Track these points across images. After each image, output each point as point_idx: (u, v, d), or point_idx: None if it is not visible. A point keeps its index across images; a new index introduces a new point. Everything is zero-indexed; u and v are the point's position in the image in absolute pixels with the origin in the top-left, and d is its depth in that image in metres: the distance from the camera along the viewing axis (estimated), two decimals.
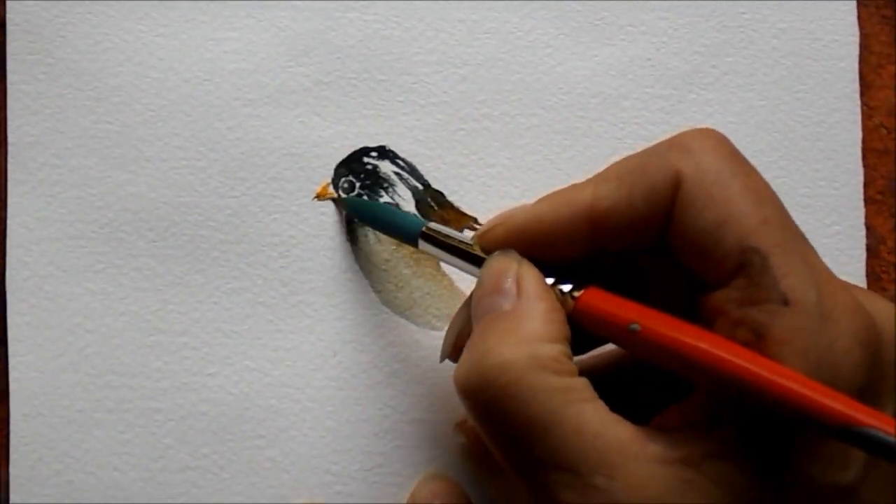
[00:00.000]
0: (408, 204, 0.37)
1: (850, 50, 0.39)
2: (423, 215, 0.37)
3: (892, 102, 0.39)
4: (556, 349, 0.27)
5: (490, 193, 0.37)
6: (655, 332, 0.26)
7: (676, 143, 0.28)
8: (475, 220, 0.37)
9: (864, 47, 0.40)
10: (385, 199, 0.37)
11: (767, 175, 0.28)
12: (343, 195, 0.36)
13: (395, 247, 0.36)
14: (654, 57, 0.39)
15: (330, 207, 0.36)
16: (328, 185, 0.36)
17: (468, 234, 0.32)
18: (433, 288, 0.36)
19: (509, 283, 0.29)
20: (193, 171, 0.36)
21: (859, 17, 0.40)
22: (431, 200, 0.37)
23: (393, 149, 0.37)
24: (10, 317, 0.35)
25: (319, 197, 0.36)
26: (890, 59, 0.40)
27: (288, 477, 0.35)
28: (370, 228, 0.36)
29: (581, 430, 0.25)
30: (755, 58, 0.39)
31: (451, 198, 0.37)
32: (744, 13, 0.39)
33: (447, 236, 0.32)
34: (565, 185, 0.30)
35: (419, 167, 0.37)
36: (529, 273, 0.29)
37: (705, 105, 0.38)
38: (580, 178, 0.37)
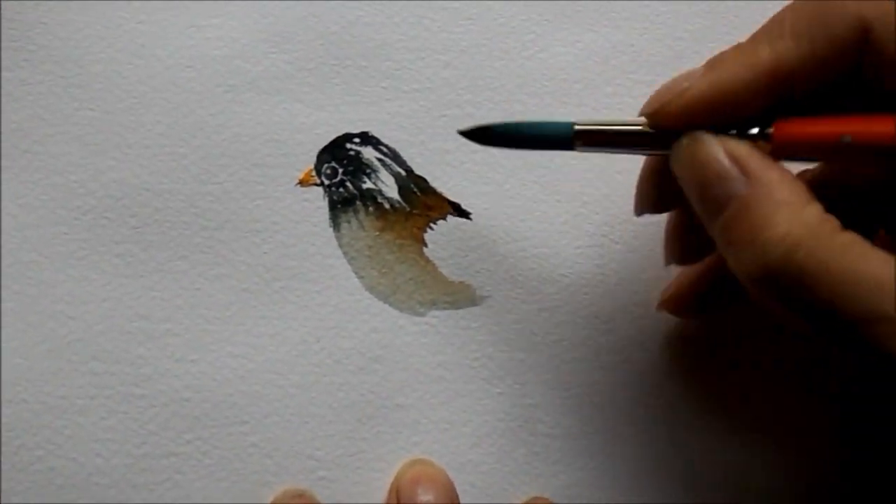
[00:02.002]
0: (391, 190, 0.37)
1: None
2: (406, 201, 0.37)
3: None
4: (816, 209, 0.27)
5: (473, 179, 0.37)
6: (869, 135, 0.26)
7: None
8: (458, 206, 0.37)
9: None
10: (368, 184, 0.37)
11: None
12: (326, 180, 0.36)
13: (378, 233, 0.36)
14: (636, 43, 0.39)
15: (313, 193, 0.36)
16: (311, 171, 0.36)
17: (626, 119, 0.31)
18: (416, 273, 0.36)
19: (729, 165, 0.28)
20: (176, 158, 0.36)
21: None
22: (415, 186, 0.37)
23: (376, 135, 0.37)
24: None
25: (302, 183, 0.36)
26: None
27: (271, 462, 0.35)
28: (353, 214, 0.36)
29: (880, 278, 0.25)
30: None
31: (434, 183, 0.37)
32: None
33: (606, 129, 0.31)
34: (730, 47, 0.29)
35: (402, 153, 0.37)
36: (740, 148, 0.28)
37: None
38: (562, 164, 0.37)
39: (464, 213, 0.37)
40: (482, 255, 0.37)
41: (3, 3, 0.36)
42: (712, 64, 0.29)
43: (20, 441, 0.34)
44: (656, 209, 0.34)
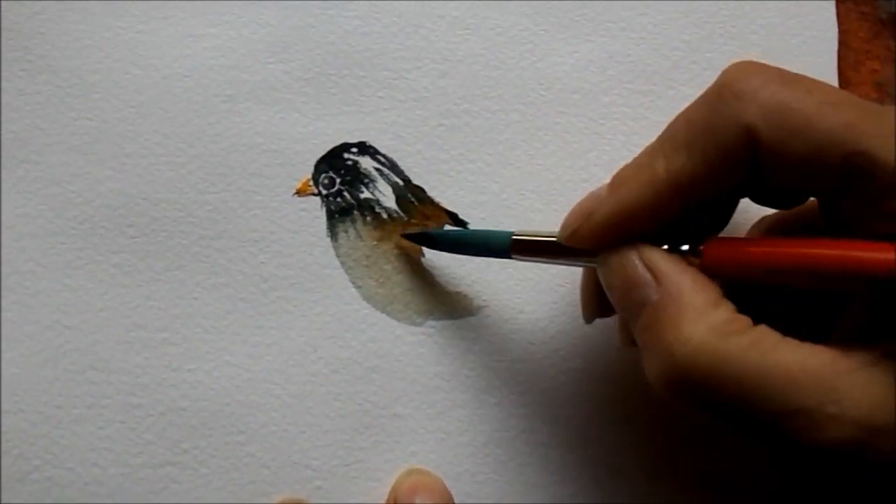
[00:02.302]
0: (388, 199, 0.37)
1: (828, 46, 0.40)
2: (403, 210, 0.37)
3: (871, 99, 0.39)
4: (724, 311, 0.27)
5: (470, 189, 0.37)
6: (798, 258, 0.27)
7: (729, 92, 0.28)
8: (455, 216, 0.37)
9: (843, 44, 0.40)
10: (366, 194, 0.37)
11: None
12: (323, 190, 0.37)
13: (375, 243, 0.36)
14: (633, 53, 0.39)
15: (310, 203, 0.36)
16: (309, 180, 0.37)
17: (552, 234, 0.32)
18: (414, 283, 0.37)
19: (642, 272, 0.29)
20: (173, 168, 0.36)
21: (838, 14, 0.40)
22: (412, 196, 0.37)
23: (373, 144, 0.37)
24: None
25: (300, 193, 0.36)
26: (868, 55, 0.40)
27: (268, 472, 0.35)
28: (351, 223, 0.36)
29: (790, 372, 0.26)
30: (734, 54, 0.39)
31: (431, 193, 0.37)
32: (723, 9, 0.39)
33: (537, 243, 0.32)
34: (629, 163, 0.30)
35: (400, 163, 0.37)
36: (655, 255, 0.29)
37: (685, 101, 0.38)
38: (560, 173, 0.37)
39: (461, 223, 0.37)
40: (479, 265, 0.37)
41: (1, 13, 0.36)
42: (614, 184, 0.30)
43: (18, 450, 0.34)
44: (603, 314, 0.34)
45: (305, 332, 0.36)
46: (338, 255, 0.36)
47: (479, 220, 0.37)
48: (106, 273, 0.35)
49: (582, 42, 0.39)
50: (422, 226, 0.37)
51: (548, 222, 0.37)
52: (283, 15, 0.37)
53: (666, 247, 0.29)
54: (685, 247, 0.29)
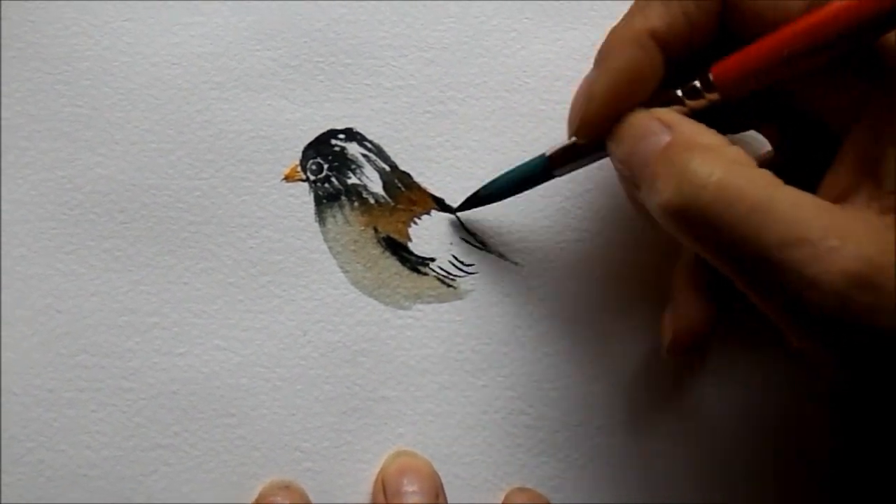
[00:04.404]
0: (375, 185, 0.37)
1: None
2: (390, 196, 0.37)
3: None
4: (736, 148, 0.28)
5: (457, 174, 0.38)
6: (803, 28, 0.28)
7: None
8: (441, 201, 0.37)
9: None
10: (353, 180, 0.37)
11: None
12: (311, 176, 0.37)
13: (363, 228, 0.37)
14: None
15: (298, 189, 0.37)
16: (297, 166, 0.37)
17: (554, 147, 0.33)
18: (401, 268, 0.37)
19: (653, 123, 0.29)
20: (162, 154, 0.36)
21: None
22: (399, 181, 0.37)
23: (360, 131, 0.37)
24: None
25: (288, 179, 0.37)
26: None
27: (258, 455, 0.35)
28: (339, 209, 0.37)
29: (797, 203, 0.26)
30: None
31: (418, 179, 0.37)
32: None
33: (568, 151, 0.33)
34: (608, 34, 0.31)
35: (386, 149, 0.37)
36: (662, 111, 0.30)
37: None
38: None
39: (447, 208, 0.37)
40: (465, 250, 0.37)
41: None
42: (599, 58, 0.31)
43: (10, 434, 0.34)
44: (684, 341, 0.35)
45: (294, 317, 0.36)
46: (326, 241, 0.37)
47: None
48: (97, 258, 0.35)
49: (565, 30, 0.39)
50: (409, 211, 0.37)
51: (532, 207, 0.38)
52: (270, 3, 0.38)
53: (679, 91, 0.30)
54: (696, 83, 0.30)
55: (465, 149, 0.38)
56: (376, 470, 0.36)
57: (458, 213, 0.37)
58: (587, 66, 0.37)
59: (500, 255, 0.37)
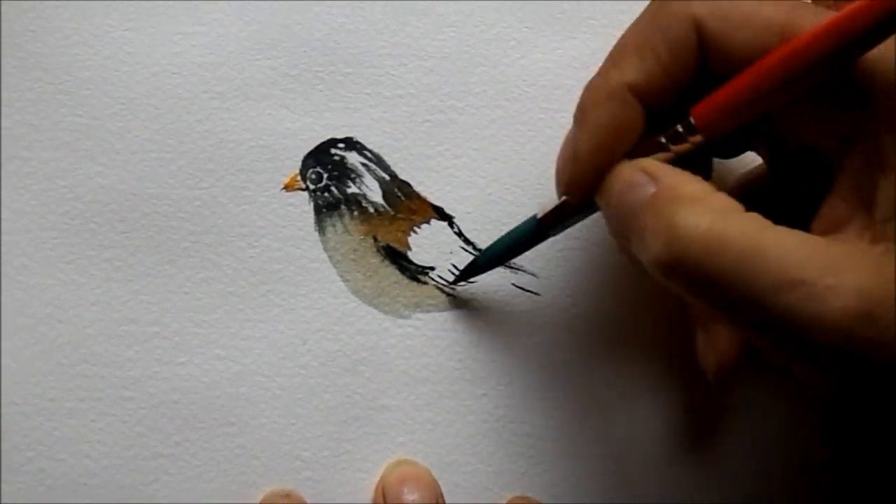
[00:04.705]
0: (375, 194, 0.37)
1: None
2: (390, 205, 0.37)
3: None
4: (722, 196, 0.28)
5: (456, 184, 0.38)
6: (786, 57, 0.28)
7: None
8: (441, 210, 0.37)
9: None
10: (353, 189, 0.37)
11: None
12: (311, 185, 0.37)
13: (362, 237, 0.37)
14: None
15: (298, 198, 0.37)
16: (296, 175, 0.37)
17: (547, 207, 0.33)
18: (401, 277, 0.37)
19: (639, 175, 0.29)
20: (163, 163, 0.36)
21: None
22: (398, 191, 0.37)
23: (360, 140, 0.38)
24: None
25: (288, 188, 0.37)
26: None
27: (258, 464, 0.35)
28: (338, 218, 0.37)
29: (788, 245, 0.26)
30: None
31: (417, 188, 0.38)
32: None
33: (558, 211, 0.33)
34: (583, 91, 0.31)
35: (386, 158, 0.38)
36: (646, 161, 0.30)
37: None
38: (543, 168, 0.38)
39: (446, 217, 0.37)
40: (465, 259, 0.37)
41: None
42: (578, 116, 0.31)
43: (11, 443, 0.34)
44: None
45: (294, 326, 0.36)
46: (325, 250, 0.37)
47: (464, 215, 0.37)
48: (97, 268, 0.36)
49: (565, 39, 0.39)
50: (408, 219, 0.37)
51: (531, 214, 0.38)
52: (270, 12, 0.38)
53: (662, 138, 0.30)
54: (678, 127, 0.30)
55: (464, 157, 0.38)
56: (376, 479, 0.36)
57: (455, 220, 0.37)
58: (586, 75, 0.37)
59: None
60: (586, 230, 0.37)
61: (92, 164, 0.36)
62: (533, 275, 0.37)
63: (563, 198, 0.33)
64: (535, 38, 0.39)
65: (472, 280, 0.37)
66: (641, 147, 0.31)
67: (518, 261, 0.37)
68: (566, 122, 0.38)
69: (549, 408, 0.37)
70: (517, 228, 0.35)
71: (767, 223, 0.27)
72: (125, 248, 0.36)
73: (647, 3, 0.31)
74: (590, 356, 0.37)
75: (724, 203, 0.28)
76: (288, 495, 0.35)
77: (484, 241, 0.37)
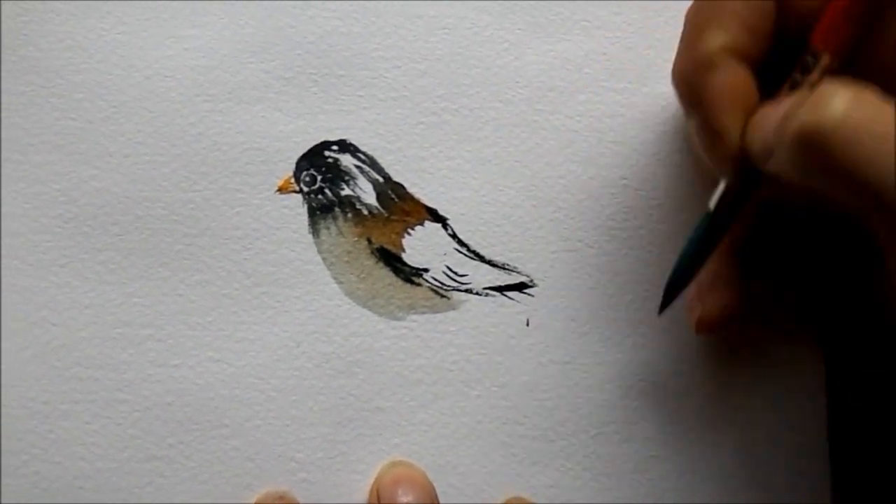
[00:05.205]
0: (369, 196, 0.37)
1: None
2: (384, 207, 0.37)
3: None
4: (869, 87, 0.28)
5: (450, 185, 0.38)
6: None
7: None
8: (435, 212, 0.37)
9: None
10: (346, 191, 0.37)
11: None
12: (305, 188, 0.37)
13: (356, 239, 0.37)
14: (608, 51, 0.39)
15: (292, 200, 0.37)
16: (290, 178, 0.37)
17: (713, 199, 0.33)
18: (395, 279, 0.37)
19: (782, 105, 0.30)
20: (156, 166, 0.36)
21: None
22: (392, 193, 0.37)
23: (354, 142, 0.38)
24: None
25: (281, 190, 0.37)
26: None
27: (252, 465, 0.35)
28: (332, 220, 0.37)
29: None
30: None
31: (411, 190, 0.38)
32: None
33: (725, 201, 0.33)
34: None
35: (380, 160, 0.38)
36: (788, 100, 0.30)
37: (659, 98, 0.39)
38: (537, 170, 0.38)
39: (440, 219, 0.37)
40: (459, 260, 0.37)
41: None
42: (695, 101, 0.32)
43: (5, 446, 0.34)
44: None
45: (288, 328, 0.36)
46: (319, 252, 0.37)
47: (458, 216, 0.37)
48: (91, 271, 0.36)
49: (558, 41, 0.39)
50: (402, 221, 0.37)
51: (526, 217, 0.38)
52: (263, 15, 0.38)
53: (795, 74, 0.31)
54: (807, 56, 0.31)
55: (458, 159, 0.38)
56: (371, 480, 0.36)
57: (449, 221, 0.37)
58: (579, 77, 0.37)
59: (494, 266, 0.37)
60: (580, 231, 0.38)
61: (85, 167, 0.36)
62: (527, 276, 0.37)
63: (722, 184, 0.33)
64: (529, 40, 0.39)
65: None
66: (776, 96, 0.31)
67: (512, 262, 0.37)
68: (559, 123, 0.38)
69: (543, 409, 0.37)
70: (694, 234, 0.34)
71: None
72: (119, 251, 0.36)
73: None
74: (584, 357, 0.37)
75: (874, 92, 0.27)
76: (282, 497, 0.35)
77: (478, 243, 0.37)
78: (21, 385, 0.35)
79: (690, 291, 0.35)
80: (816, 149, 0.27)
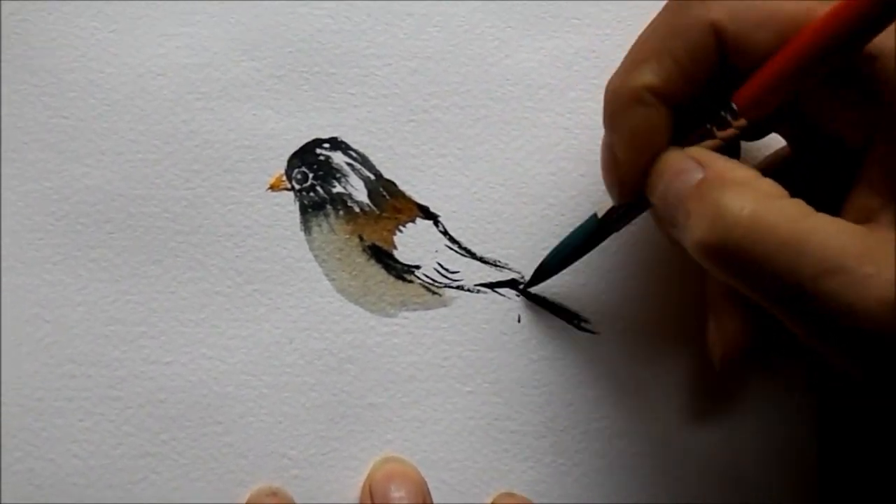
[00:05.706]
0: (360, 193, 0.37)
1: None
2: (375, 205, 0.37)
3: None
4: (767, 181, 0.28)
5: (441, 182, 0.38)
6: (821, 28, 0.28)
7: None
8: (426, 209, 0.38)
9: None
10: (338, 189, 0.37)
11: None
12: (296, 185, 0.37)
13: (348, 236, 0.37)
14: (598, 49, 0.39)
15: (284, 198, 0.37)
16: (282, 176, 0.37)
17: (604, 208, 0.35)
18: (386, 276, 0.37)
19: (687, 162, 0.30)
20: (148, 164, 0.36)
21: None
22: (384, 190, 0.38)
23: (345, 140, 0.38)
24: None
25: (273, 188, 0.37)
26: None
27: (245, 462, 0.35)
28: (324, 217, 0.37)
29: (830, 232, 0.26)
30: None
31: (402, 187, 0.38)
32: None
33: (609, 217, 0.34)
34: (607, 95, 0.32)
35: (371, 158, 0.38)
36: (695, 149, 0.31)
37: None
38: (528, 167, 0.38)
39: (432, 216, 0.38)
40: (450, 257, 0.37)
41: None
42: (609, 122, 0.32)
43: None
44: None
45: (281, 325, 0.36)
46: (311, 249, 0.37)
47: (449, 213, 0.38)
48: (84, 268, 0.36)
49: (548, 39, 0.39)
50: (394, 219, 0.37)
51: (517, 214, 0.38)
52: (254, 14, 0.38)
53: (709, 125, 0.31)
54: (722, 114, 0.30)
55: (449, 157, 0.38)
56: (363, 476, 0.36)
57: (440, 219, 0.37)
58: (570, 74, 0.37)
59: (485, 262, 0.37)
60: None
61: (78, 165, 0.36)
62: (518, 273, 0.38)
63: (619, 204, 0.34)
64: (520, 38, 0.39)
65: (539, 281, 0.38)
66: (688, 138, 0.31)
67: (502, 258, 0.37)
68: (550, 120, 0.38)
69: (534, 405, 0.37)
70: (579, 229, 0.36)
71: (810, 209, 0.27)
72: (111, 249, 0.36)
73: (641, 3, 0.31)
74: (575, 354, 0.37)
75: (770, 188, 0.28)
76: (275, 493, 0.35)
77: (469, 240, 0.37)
78: (14, 382, 0.35)
79: (710, 333, 0.36)
80: (717, 261, 0.28)
